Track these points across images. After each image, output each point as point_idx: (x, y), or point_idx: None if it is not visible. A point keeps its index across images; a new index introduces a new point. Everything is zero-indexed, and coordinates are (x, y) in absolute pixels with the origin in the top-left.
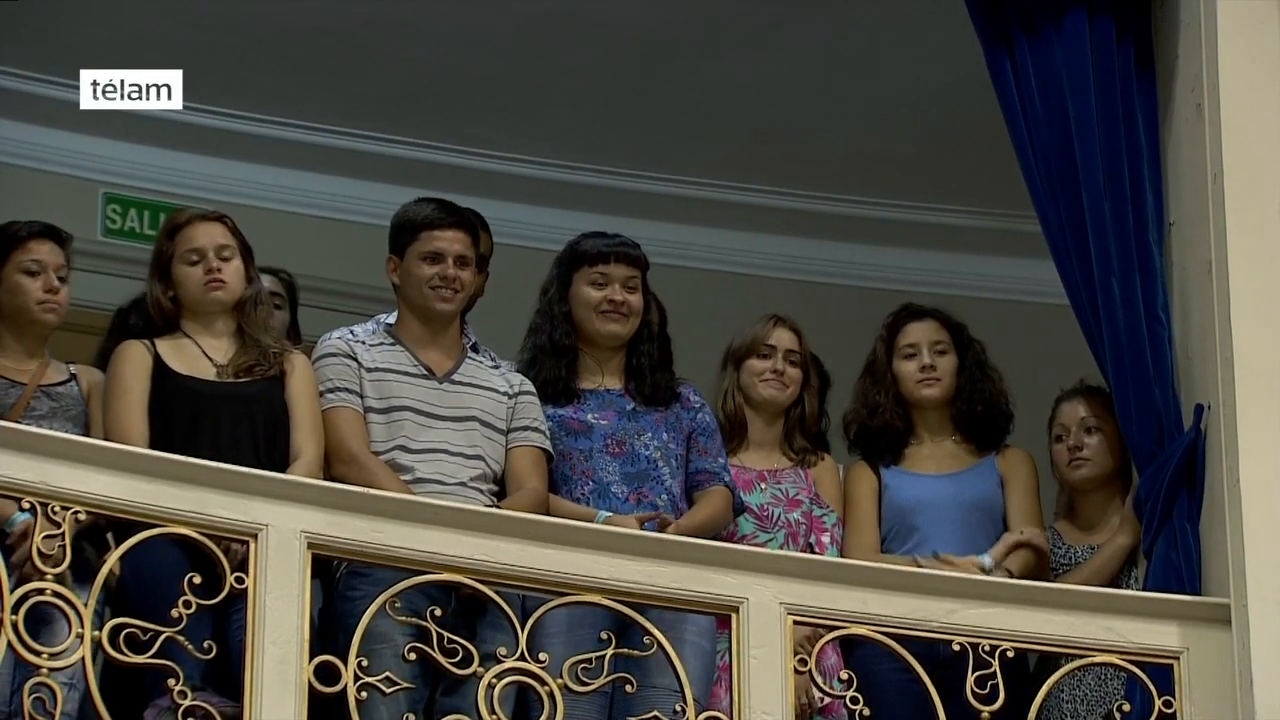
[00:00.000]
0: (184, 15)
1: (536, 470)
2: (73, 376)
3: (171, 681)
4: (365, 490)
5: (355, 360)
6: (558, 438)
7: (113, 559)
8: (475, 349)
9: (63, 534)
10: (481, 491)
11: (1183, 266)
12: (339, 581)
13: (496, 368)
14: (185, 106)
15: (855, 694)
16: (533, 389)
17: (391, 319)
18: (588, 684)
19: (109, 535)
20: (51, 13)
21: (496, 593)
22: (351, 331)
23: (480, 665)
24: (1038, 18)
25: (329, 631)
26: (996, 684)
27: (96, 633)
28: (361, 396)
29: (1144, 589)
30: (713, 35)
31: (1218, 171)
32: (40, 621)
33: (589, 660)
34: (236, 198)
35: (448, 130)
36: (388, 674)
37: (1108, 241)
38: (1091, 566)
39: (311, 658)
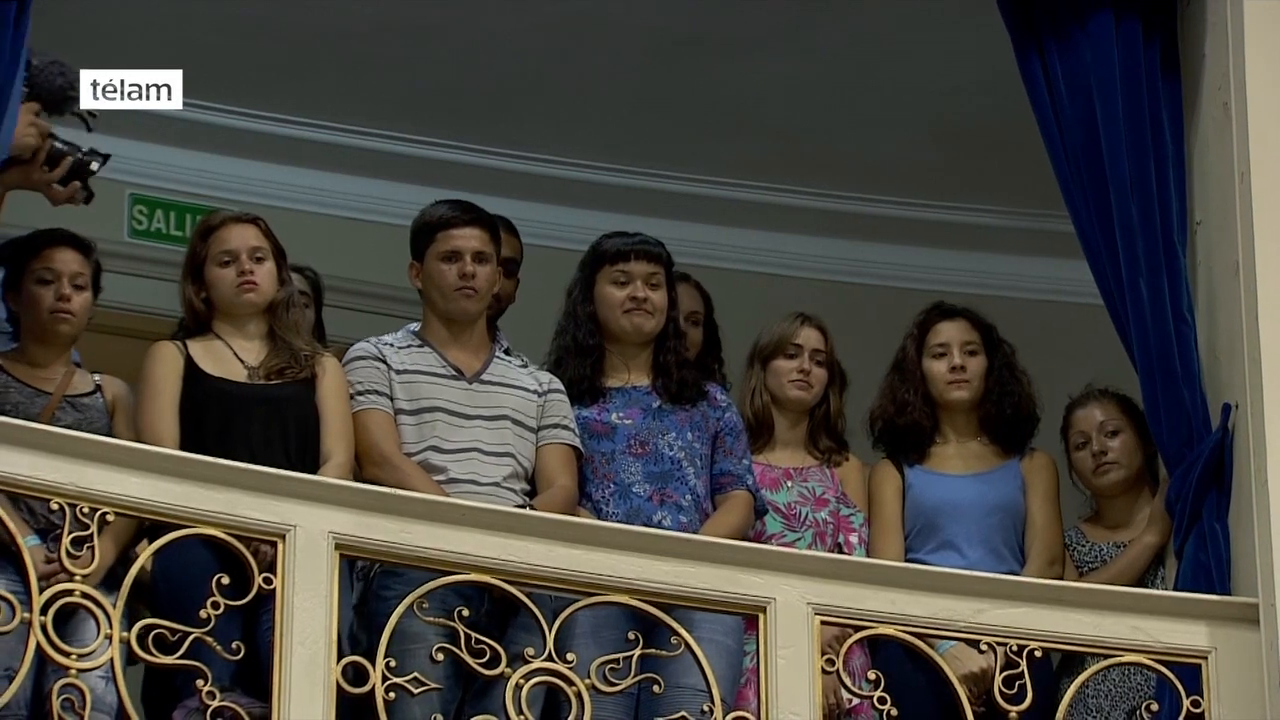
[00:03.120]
0: (210, 18)
1: (567, 468)
2: (98, 387)
3: (200, 682)
4: (393, 491)
5: (384, 362)
6: (580, 440)
7: (141, 560)
8: (508, 352)
9: (91, 535)
10: (515, 491)
11: (1209, 266)
12: (373, 581)
13: (525, 367)
14: (211, 108)
15: (883, 694)
16: (561, 386)
17: (418, 327)
18: (615, 684)
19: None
20: (74, 14)
21: (526, 593)
22: (379, 339)
23: (508, 666)
24: (1065, 19)
25: (363, 631)
26: (1024, 684)
27: (125, 634)
28: (391, 399)
29: (1175, 589)
30: (738, 35)
31: (1245, 171)
32: (68, 622)
33: (616, 661)
34: (262, 198)
35: (472, 131)
36: (415, 674)
37: (1135, 242)
38: (1118, 565)
39: (340, 657)
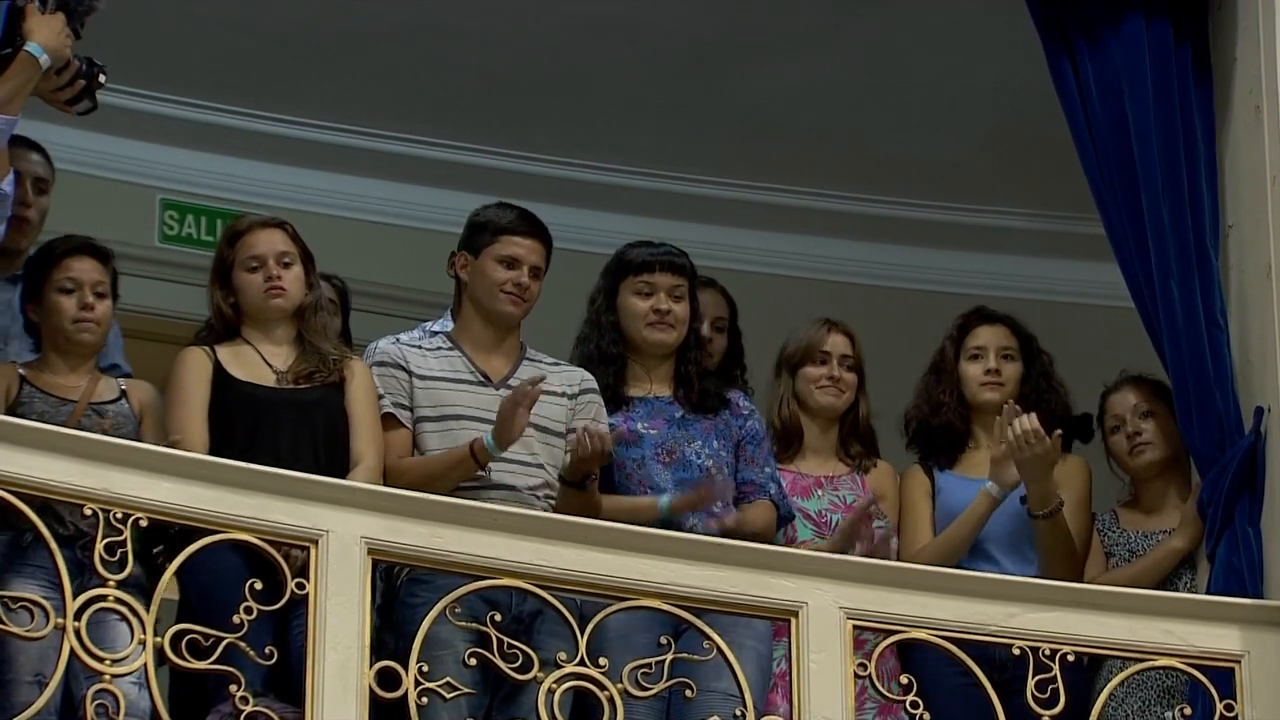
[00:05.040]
0: (237, 22)
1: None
2: (123, 393)
3: (233, 688)
4: (425, 496)
5: (405, 370)
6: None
7: (174, 566)
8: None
9: (125, 540)
10: (539, 498)
11: (1241, 269)
12: (399, 589)
13: (555, 365)
14: (240, 113)
15: (915, 699)
16: (595, 385)
17: (438, 325)
18: (648, 689)
19: (158, 549)
20: (108, 20)
21: (554, 598)
22: (398, 339)
23: (540, 670)
24: (1096, 21)
25: (389, 634)
26: (1057, 688)
27: (159, 639)
28: (411, 408)
29: (1207, 593)
30: (766, 38)
31: (1276, 174)
32: (98, 627)
33: (648, 665)
34: (291, 203)
35: (499, 135)
36: (449, 679)
37: (1166, 245)
38: (1141, 565)
39: (372, 663)
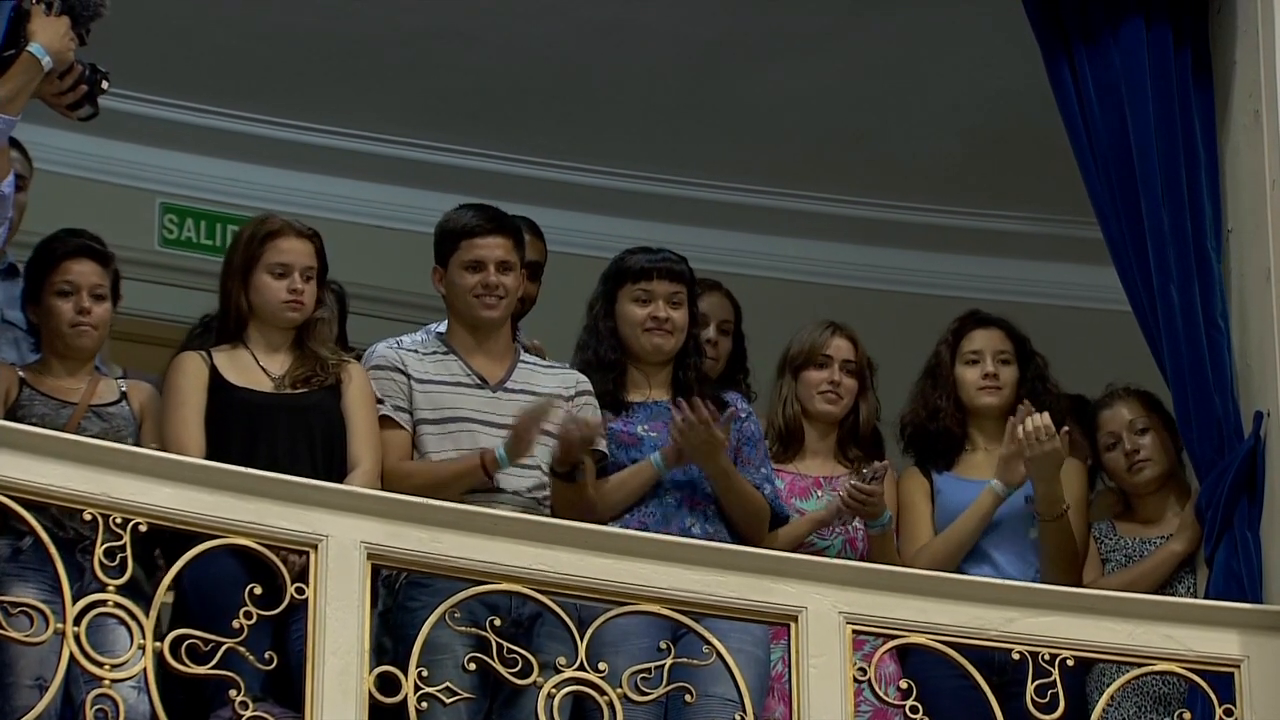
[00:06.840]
0: (237, 27)
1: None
2: (123, 395)
3: (232, 692)
4: (425, 501)
5: (403, 373)
6: (609, 451)
7: (174, 571)
8: (527, 351)
9: (124, 545)
10: (539, 500)
11: (1241, 273)
12: (398, 592)
13: (550, 368)
14: (241, 116)
15: (915, 703)
16: (590, 387)
17: (443, 327)
18: (647, 693)
19: (156, 552)
20: (112, 25)
21: (554, 603)
22: (399, 341)
23: (539, 675)
24: (1096, 25)
25: (389, 639)
26: (1056, 692)
27: (158, 644)
28: (410, 411)
29: (1206, 597)
30: (768, 42)
31: (1276, 178)
32: (97, 631)
33: (648, 670)
34: (291, 206)
35: (502, 138)
36: (448, 684)
37: (1166, 249)
38: (1140, 569)
39: (371, 668)
